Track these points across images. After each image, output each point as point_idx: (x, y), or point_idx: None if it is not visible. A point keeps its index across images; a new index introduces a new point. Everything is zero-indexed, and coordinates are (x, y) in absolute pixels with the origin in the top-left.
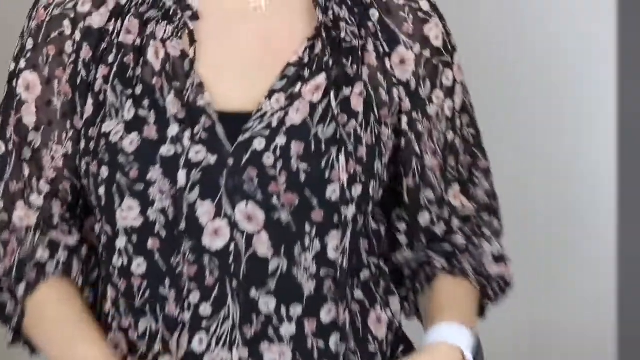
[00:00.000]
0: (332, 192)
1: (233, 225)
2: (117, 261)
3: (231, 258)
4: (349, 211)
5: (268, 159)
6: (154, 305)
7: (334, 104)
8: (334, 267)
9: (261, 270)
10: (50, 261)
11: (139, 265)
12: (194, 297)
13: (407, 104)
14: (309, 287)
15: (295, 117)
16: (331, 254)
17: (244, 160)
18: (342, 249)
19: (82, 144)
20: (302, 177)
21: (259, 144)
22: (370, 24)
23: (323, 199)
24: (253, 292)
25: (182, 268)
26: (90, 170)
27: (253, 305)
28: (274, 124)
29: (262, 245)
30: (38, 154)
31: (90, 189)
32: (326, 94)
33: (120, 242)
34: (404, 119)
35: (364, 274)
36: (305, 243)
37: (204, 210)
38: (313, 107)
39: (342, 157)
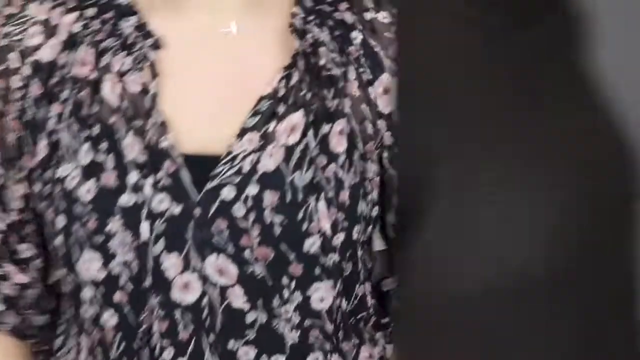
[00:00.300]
0: (311, 245)
1: (204, 279)
2: (86, 312)
3: (205, 312)
4: (331, 261)
5: (239, 210)
6: (131, 358)
7: (312, 145)
8: (320, 317)
9: (238, 321)
10: None
11: (110, 318)
12: (168, 353)
13: (387, 138)
14: (292, 336)
15: (269, 162)
16: (316, 304)
17: (212, 211)
18: (328, 299)
19: (38, 187)
20: (277, 230)
21: (228, 192)
22: (352, 48)
23: (301, 252)
24: (231, 344)
25: (152, 323)
26: (46, 217)
27: (232, 355)
28: (245, 169)
29: (237, 299)
30: (2, 191)
31: (47, 236)
32: (304, 134)
33: (86, 293)
34: (385, 154)
35: (362, 315)
36: (284, 296)
37: (171, 263)
38: (288, 150)
39: (321, 206)
